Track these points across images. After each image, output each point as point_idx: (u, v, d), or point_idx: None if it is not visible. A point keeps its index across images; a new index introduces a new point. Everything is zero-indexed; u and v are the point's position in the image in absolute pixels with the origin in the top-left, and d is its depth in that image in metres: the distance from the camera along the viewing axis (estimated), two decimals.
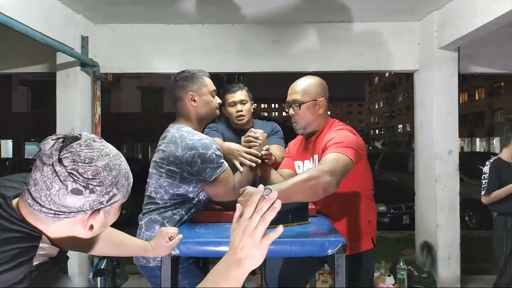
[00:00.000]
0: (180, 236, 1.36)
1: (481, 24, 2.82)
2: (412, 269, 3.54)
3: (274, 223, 1.59)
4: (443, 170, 3.48)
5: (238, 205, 0.85)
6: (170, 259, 1.36)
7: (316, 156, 1.78)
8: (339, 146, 1.57)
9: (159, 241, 1.35)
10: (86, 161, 0.78)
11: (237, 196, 1.47)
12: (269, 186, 1.38)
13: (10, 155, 21.26)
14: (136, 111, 22.59)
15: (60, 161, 0.76)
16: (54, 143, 0.79)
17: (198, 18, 3.66)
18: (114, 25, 3.77)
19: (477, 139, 38.78)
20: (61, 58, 3.47)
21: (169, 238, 1.36)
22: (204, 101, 1.75)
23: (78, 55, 3.42)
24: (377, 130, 71.35)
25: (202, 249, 1.37)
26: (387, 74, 51.91)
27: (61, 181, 0.76)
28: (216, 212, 1.70)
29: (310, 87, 1.80)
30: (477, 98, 37.64)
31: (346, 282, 1.35)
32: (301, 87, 1.81)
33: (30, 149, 22.48)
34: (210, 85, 1.79)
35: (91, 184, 0.77)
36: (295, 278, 2.01)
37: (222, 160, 1.63)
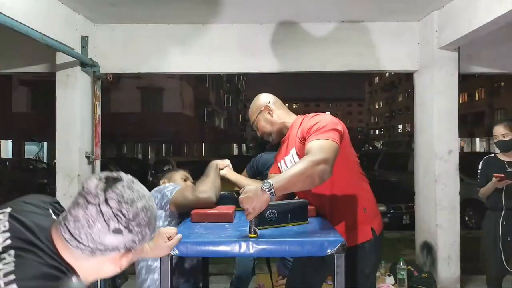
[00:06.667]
0: (179, 236, 1.36)
1: (481, 24, 2.82)
2: (412, 269, 3.54)
3: (274, 223, 1.61)
4: (443, 170, 3.48)
5: None
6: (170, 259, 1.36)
7: (293, 150, 1.82)
8: (322, 132, 1.62)
9: (158, 242, 1.35)
10: (128, 202, 0.82)
11: (203, 197, 1.73)
12: (268, 180, 1.40)
13: (10, 155, 21.25)
14: (136, 111, 22.60)
15: (106, 201, 0.80)
16: (98, 183, 0.82)
17: (198, 18, 3.66)
18: (114, 25, 3.77)
19: (477, 139, 38.72)
20: (61, 58, 3.47)
21: (168, 238, 1.36)
22: None
23: (78, 55, 3.42)
24: (377, 130, 71.28)
25: (202, 249, 1.37)
26: (387, 74, 51.87)
27: (104, 220, 0.79)
28: (215, 212, 1.71)
29: (251, 108, 2.02)
30: (477, 98, 37.57)
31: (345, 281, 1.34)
32: (249, 113, 2.04)
33: (30, 149, 22.48)
34: None
35: (131, 225, 0.82)
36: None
37: (170, 189, 1.85)
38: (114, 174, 0.87)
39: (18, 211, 0.90)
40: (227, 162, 2.05)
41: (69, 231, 0.81)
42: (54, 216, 0.96)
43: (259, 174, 2.83)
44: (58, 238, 0.84)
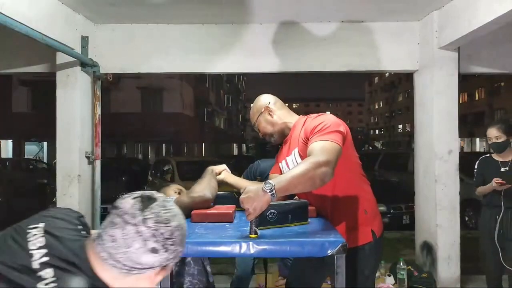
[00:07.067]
0: None
1: (481, 24, 2.82)
2: (412, 269, 3.54)
3: (274, 223, 1.61)
4: (443, 170, 3.48)
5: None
6: None
7: (295, 150, 1.81)
8: (325, 133, 1.62)
9: None
10: (165, 222, 0.84)
11: (197, 196, 1.72)
12: (270, 181, 1.40)
13: (10, 155, 21.25)
14: (136, 111, 22.59)
15: (144, 221, 0.82)
16: (134, 202, 0.84)
17: (198, 18, 3.66)
18: (114, 25, 3.77)
19: (477, 139, 38.70)
20: (61, 58, 3.47)
21: None
22: None
23: (78, 55, 3.42)
24: (377, 130, 71.28)
25: (202, 249, 1.37)
26: (387, 74, 51.86)
27: (143, 240, 0.81)
28: (215, 212, 1.71)
29: (252, 109, 2.03)
30: (477, 98, 37.58)
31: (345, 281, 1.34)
32: (250, 114, 2.05)
33: (30, 149, 22.48)
34: None
35: (167, 244, 0.84)
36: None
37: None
38: (147, 193, 0.88)
39: (52, 227, 0.90)
40: (223, 166, 2.06)
41: (106, 250, 0.82)
42: (83, 232, 0.96)
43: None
44: (94, 256, 0.85)
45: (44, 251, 0.84)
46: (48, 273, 0.81)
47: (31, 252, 0.84)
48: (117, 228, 0.82)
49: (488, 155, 3.20)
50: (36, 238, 0.87)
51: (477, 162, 3.20)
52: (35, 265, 0.82)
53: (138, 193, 0.88)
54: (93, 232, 1.02)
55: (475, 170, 3.20)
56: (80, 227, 0.97)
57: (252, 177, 2.83)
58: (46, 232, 0.89)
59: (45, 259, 0.83)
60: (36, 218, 0.95)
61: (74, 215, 1.00)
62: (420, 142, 3.77)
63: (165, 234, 0.83)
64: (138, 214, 0.82)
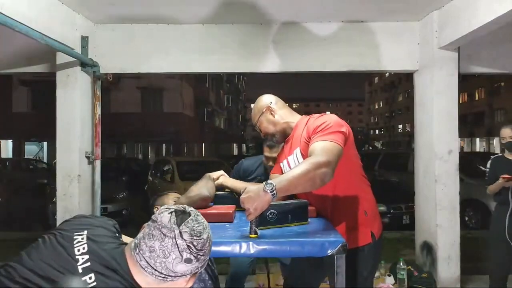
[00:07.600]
0: None
1: (481, 24, 2.82)
2: (412, 269, 3.54)
3: (274, 223, 1.61)
4: (443, 170, 3.48)
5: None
6: None
7: (297, 149, 1.81)
8: (326, 133, 1.62)
9: None
10: (198, 235, 0.93)
11: (193, 195, 1.80)
12: (271, 181, 1.40)
13: (10, 155, 21.25)
14: (136, 111, 22.59)
15: (181, 235, 0.91)
16: (170, 217, 0.93)
17: (198, 18, 3.66)
18: (114, 25, 3.76)
19: (477, 139, 38.75)
20: (61, 58, 3.46)
21: None
22: None
23: (78, 55, 3.42)
24: (377, 130, 71.27)
25: None
26: (387, 74, 51.86)
27: (179, 251, 0.90)
28: (215, 212, 1.71)
29: (254, 110, 2.03)
30: (477, 98, 37.59)
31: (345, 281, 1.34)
32: (252, 115, 2.05)
33: (30, 149, 22.47)
34: None
35: (199, 254, 0.94)
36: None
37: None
38: (181, 207, 0.97)
39: (94, 235, 0.99)
40: (221, 172, 2.08)
41: (145, 259, 0.91)
42: (120, 239, 1.04)
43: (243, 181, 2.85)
44: (133, 264, 0.93)
45: (86, 256, 0.93)
46: (90, 277, 0.89)
47: (76, 257, 0.93)
48: (156, 240, 0.91)
49: (500, 154, 3.26)
50: (80, 244, 0.95)
51: (489, 161, 3.26)
52: (79, 269, 0.91)
53: (173, 207, 0.97)
54: (125, 237, 1.10)
55: (487, 169, 3.24)
56: (117, 234, 1.05)
57: (238, 176, 2.86)
58: (89, 238, 0.97)
59: (87, 264, 0.92)
60: (77, 224, 1.03)
61: (111, 223, 1.08)
62: (420, 142, 3.77)
63: (197, 246, 0.92)
64: (175, 228, 0.91)
